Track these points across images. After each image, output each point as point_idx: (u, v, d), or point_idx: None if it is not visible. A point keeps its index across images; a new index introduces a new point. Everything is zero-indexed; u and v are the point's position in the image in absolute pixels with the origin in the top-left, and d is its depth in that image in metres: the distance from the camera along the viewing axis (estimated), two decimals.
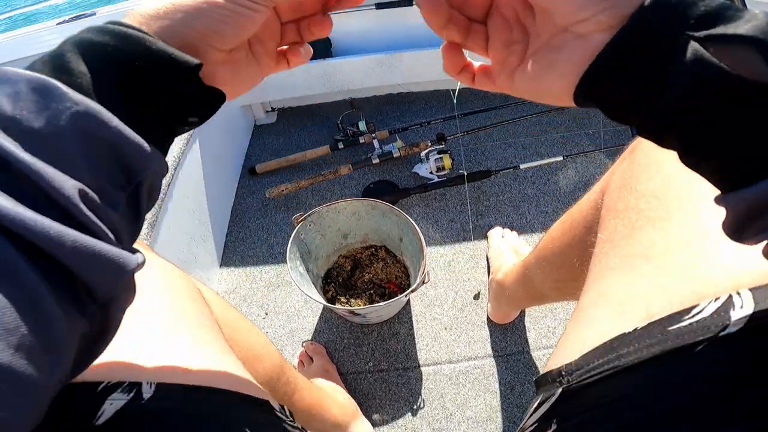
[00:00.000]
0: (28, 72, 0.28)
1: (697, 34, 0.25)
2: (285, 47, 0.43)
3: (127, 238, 0.32)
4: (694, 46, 0.25)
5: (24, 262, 0.24)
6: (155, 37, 0.31)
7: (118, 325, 0.33)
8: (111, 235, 0.29)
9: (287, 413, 0.49)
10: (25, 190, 0.25)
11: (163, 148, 0.34)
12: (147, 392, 0.38)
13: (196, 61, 0.32)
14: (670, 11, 0.26)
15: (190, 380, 0.41)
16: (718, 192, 0.29)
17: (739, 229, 0.28)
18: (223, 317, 0.63)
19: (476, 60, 0.41)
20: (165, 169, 0.35)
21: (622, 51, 0.28)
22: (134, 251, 0.31)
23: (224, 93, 0.37)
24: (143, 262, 0.32)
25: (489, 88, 0.40)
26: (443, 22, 0.36)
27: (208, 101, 0.36)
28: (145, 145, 0.31)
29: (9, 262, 0.24)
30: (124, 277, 0.29)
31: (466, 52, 0.40)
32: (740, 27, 0.24)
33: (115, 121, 0.29)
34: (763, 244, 0.28)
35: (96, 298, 0.29)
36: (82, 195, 0.27)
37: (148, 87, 0.31)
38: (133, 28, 0.31)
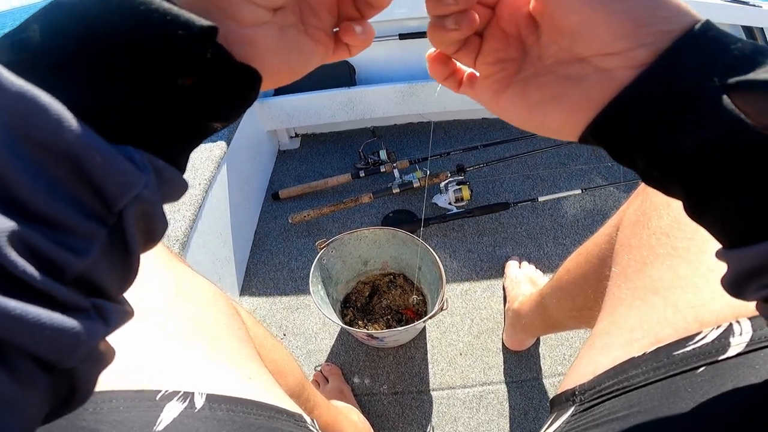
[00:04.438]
0: None
1: (727, 81, 0.23)
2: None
3: (111, 287, 0.24)
4: (720, 94, 0.24)
5: None
6: None
7: (90, 387, 0.25)
8: (61, 295, 0.20)
9: (317, 427, 0.51)
10: None
11: (172, 155, 0.25)
12: (199, 402, 0.40)
13: (203, 22, 0.22)
14: (702, 53, 0.24)
15: (235, 392, 0.43)
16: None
17: (738, 285, 0.27)
18: (254, 334, 0.66)
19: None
20: (175, 189, 0.26)
21: (648, 92, 0.26)
22: (106, 312, 0.23)
23: (257, 73, 0.26)
24: (122, 321, 0.25)
25: (472, 98, 0.37)
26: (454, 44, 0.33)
27: (233, 86, 0.26)
28: (117, 156, 0.21)
29: None
30: (76, 352, 0.21)
31: None
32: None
33: (68, 121, 0.20)
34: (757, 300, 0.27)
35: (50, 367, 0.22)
36: (15, 236, 0.19)
37: (135, 64, 0.22)
38: None
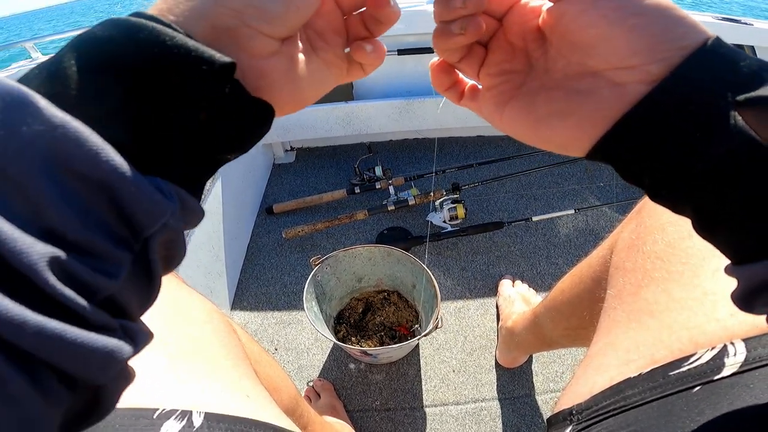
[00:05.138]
0: (5, 82, 0.21)
1: (737, 98, 0.24)
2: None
3: (134, 309, 0.25)
4: (732, 111, 0.24)
5: None
6: (175, 26, 0.24)
7: (114, 403, 0.26)
8: (95, 316, 0.21)
9: None
10: None
11: (192, 186, 0.26)
12: (197, 421, 0.40)
13: (224, 59, 0.24)
14: (713, 69, 0.24)
15: (233, 410, 0.43)
16: (720, 259, 0.28)
17: (749, 300, 0.27)
18: (249, 351, 0.66)
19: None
20: (195, 217, 0.27)
21: (661, 108, 0.25)
22: (133, 332, 0.24)
23: (271, 107, 0.28)
24: (146, 342, 0.26)
25: (474, 111, 0.36)
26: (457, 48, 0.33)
27: (248, 118, 0.27)
28: (149, 187, 0.22)
29: None
30: (110, 370, 0.22)
31: None
32: None
33: (106, 153, 0.21)
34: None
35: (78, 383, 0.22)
36: (54, 262, 0.20)
37: (163, 99, 0.23)
38: (148, 16, 0.23)
